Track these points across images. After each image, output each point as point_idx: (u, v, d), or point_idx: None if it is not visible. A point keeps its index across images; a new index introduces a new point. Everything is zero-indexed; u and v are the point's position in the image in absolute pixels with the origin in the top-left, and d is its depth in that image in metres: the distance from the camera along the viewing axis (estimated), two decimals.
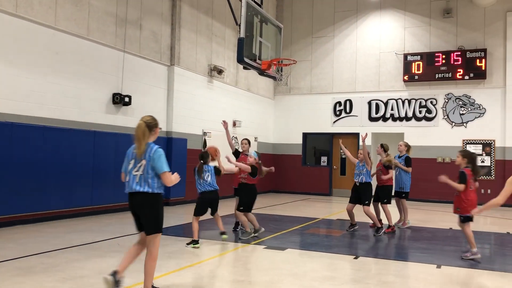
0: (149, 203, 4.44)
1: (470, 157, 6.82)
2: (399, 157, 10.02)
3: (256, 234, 8.03)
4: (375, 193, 9.41)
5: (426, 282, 5.54)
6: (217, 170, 7.47)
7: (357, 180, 8.81)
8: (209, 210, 7.54)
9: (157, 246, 4.55)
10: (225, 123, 8.68)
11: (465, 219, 6.66)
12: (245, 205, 7.97)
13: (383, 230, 8.75)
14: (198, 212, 7.36)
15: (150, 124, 4.50)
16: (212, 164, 7.54)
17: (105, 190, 10.57)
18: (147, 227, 4.47)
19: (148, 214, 4.46)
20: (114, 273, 4.36)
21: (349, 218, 9.16)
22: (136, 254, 4.62)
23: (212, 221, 8.03)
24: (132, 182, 4.48)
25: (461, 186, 6.62)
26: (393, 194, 9.66)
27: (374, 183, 9.01)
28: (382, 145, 9.62)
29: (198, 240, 7.19)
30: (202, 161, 7.39)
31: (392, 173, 9.35)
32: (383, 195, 9.19)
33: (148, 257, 4.50)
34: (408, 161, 9.84)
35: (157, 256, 4.54)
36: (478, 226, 10.13)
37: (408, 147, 10.11)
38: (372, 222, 9.04)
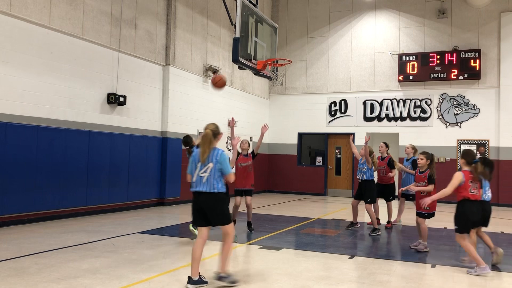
0: (217, 201, 5.07)
1: (431, 159, 7.41)
2: (407, 160, 10.08)
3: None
4: (378, 191, 9.59)
5: (421, 281, 5.56)
6: None
7: (359, 177, 9.18)
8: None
9: (231, 234, 5.20)
10: (233, 121, 8.37)
11: (429, 215, 7.24)
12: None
13: (378, 232, 8.78)
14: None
15: (215, 132, 5.13)
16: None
17: (99, 190, 10.54)
18: (218, 221, 5.15)
19: (216, 210, 5.09)
20: (220, 278, 5.09)
21: (351, 217, 9.50)
22: (201, 250, 5.10)
23: None
24: (200, 183, 5.06)
25: (431, 187, 7.19)
26: (396, 194, 9.95)
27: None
28: (386, 144, 9.99)
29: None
30: (187, 147, 7.36)
31: (395, 172, 9.76)
32: (387, 193, 9.74)
33: (225, 245, 5.15)
34: (415, 163, 9.61)
35: (231, 244, 5.19)
36: None
37: (415, 149, 10.16)
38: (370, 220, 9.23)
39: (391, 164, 9.73)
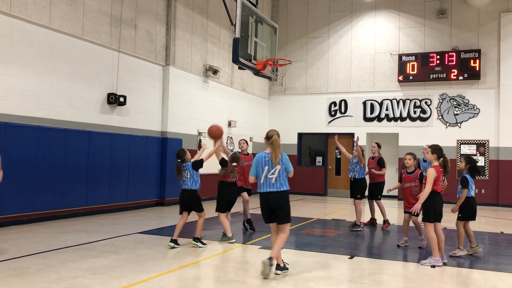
0: (284, 198, 5.68)
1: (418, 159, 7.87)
2: (424, 161, 9.68)
3: (224, 241, 7.56)
4: (369, 190, 9.87)
5: (421, 281, 5.56)
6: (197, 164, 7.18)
7: (350, 175, 9.51)
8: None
9: (288, 232, 5.76)
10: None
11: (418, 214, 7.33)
12: (217, 205, 7.84)
13: (359, 228, 9.19)
14: (180, 211, 7.34)
15: (279, 137, 5.87)
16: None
17: (99, 191, 10.55)
18: (282, 218, 5.68)
19: (284, 208, 5.66)
20: (270, 259, 5.43)
21: (351, 217, 9.72)
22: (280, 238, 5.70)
23: (209, 221, 8.02)
24: (269, 184, 5.65)
25: (429, 187, 7.20)
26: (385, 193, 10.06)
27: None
28: (378, 144, 10.03)
29: (177, 240, 7.07)
30: (179, 160, 7.20)
31: (385, 170, 9.80)
32: (377, 192, 9.80)
33: (280, 239, 5.64)
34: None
35: (286, 238, 5.74)
36: (473, 226, 10.17)
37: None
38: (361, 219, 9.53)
39: (381, 163, 9.74)
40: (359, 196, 9.39)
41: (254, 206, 9.33)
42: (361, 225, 9.40)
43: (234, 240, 7.56)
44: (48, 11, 9.39)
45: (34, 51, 9.13)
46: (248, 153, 9.04)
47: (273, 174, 5.63)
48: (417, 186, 7.54)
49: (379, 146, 10.03)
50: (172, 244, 6.98)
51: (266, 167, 5.65)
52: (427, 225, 6.49)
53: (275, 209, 5.65)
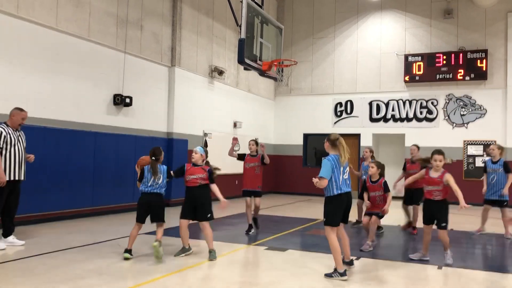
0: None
1: (383, 168, 7.64)
2: (493, 162, 9.00)
3: (181, 254, 6.50)
4: (406, 195, 9.42)
5: (427, 282, 5.53)
6: (169, 173, 6.64)
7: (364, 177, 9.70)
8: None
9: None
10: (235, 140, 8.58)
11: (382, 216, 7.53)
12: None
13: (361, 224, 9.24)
14: (137, 218, 6.40)
15: None
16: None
17: (105, 191, 10.58)
18: (347, 217, 5.98)
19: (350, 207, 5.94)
20: (348, 260, 5.98)
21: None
22: (344, 239, 6.06)
23: (210, 223, 7.99)
24: (346, 184, 5.80)
25: (390, 196, 7.45)
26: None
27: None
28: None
29: (131, 250, 6.30)
30: (154, 158, 6.41)
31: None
32: (416, 197, 9.19)
33: (345, 236, 6.10)
34: (507, 166, 8.82)
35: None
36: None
37: (501, 149, 9.02)
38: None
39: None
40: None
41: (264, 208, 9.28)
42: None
43: (191, 252, 6.65)
44: (54, 12, 9.44)
45: (41, 52, 9.18)
46: (256, 154, 8.69)
47: (346, 174, 5.82)
48: (382, 196, 7.44)
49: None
50: (127, 255, 6.17)
51: (341, 168, 5.75)
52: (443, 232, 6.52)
53: (348, 209, 5.86)
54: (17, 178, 6.96)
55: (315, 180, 5.54)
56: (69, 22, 9.76)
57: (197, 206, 6.41)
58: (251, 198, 8.60)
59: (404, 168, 9.78)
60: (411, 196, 9.31)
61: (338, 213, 5.71)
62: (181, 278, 5.45)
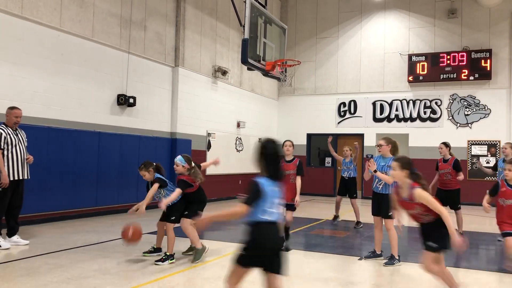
0: None
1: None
2: (504, 161, 8.56)
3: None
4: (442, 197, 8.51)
5: (430, 282, 5.51)
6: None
7: (345, 175, 10.27)
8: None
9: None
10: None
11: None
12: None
13: (361, 225, 9.73)
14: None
15: None
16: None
17: (109, 191, 10.60)
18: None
19: None
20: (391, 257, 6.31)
21: (356, 218, 10.00)
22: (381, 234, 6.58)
23: (213, 223, 7.99)
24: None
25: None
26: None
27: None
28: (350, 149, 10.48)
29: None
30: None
31: (462, 175, 8.91)
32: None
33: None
34: None
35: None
36: (486, 227, 10.09)
37: None
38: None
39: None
40: (355, 195, 10.15)
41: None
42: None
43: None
44: (58, 13, 9.47)
45: (45, 52, 9.21)
46: (292, 159, 7.20)
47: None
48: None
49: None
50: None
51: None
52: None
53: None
54: (20, 178, 6.99)
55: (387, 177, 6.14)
56: (73, 23, 9.79)
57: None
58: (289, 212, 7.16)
59: (437, 168, 9.19)
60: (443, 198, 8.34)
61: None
62: (185, 277, 5.46)
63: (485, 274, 6.10)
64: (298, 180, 7.09)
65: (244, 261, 3.47)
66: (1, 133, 6.77)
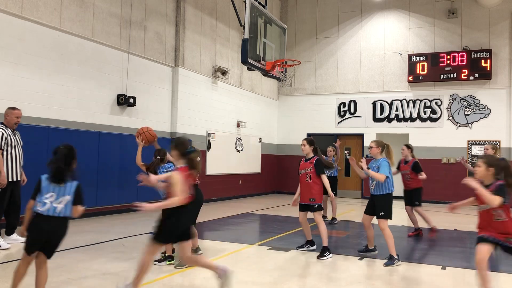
0: None
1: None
2: None
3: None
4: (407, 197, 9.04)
5: (431, 283, 5.52)
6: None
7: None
8: None
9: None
10: None
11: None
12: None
13: (335, 222, 10.29)
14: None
15: None
16: None
17: (109, 191, 10.60)
18: None
19: None
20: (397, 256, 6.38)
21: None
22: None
23: (214, 223, 8.02)
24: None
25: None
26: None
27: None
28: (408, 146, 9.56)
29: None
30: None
31: (424, 175, 8.96)
32: (413, 198, 8.98)
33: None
34: None
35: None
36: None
37: (495, 149, 8.36)
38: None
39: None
40: (335, 192, 10.18)
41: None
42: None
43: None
44: (58, 13, 9.47)
45: (45, 52, 9.21)
46: (310, 158, 7.32)
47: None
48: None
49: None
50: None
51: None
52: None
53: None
54: (19, 179, 7.01)
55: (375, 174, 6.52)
56: (73, 22, 9.79)
57: None
58: (304, 213, 7.21)
59: (398, 168, 9.37)
60: (409, 197, 8.96)
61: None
62: (185, 277, 5.46)
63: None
64: (324, 179, 7.17)
65: None
66: (2, 133, 6.77)
